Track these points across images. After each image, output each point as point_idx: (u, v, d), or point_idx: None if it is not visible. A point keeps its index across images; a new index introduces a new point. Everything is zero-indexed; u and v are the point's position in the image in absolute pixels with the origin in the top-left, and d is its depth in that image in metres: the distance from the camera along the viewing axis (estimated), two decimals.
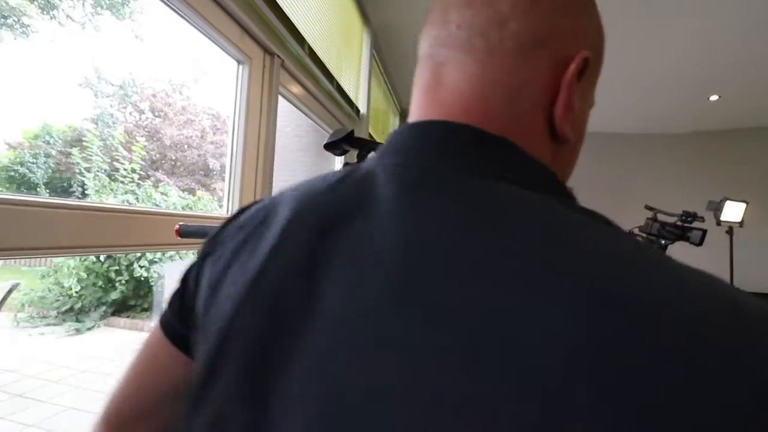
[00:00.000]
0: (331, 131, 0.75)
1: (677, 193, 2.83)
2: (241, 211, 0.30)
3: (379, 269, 0.19)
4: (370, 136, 2.76)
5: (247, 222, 0.28)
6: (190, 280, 0.29)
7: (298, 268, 0.22)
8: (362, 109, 2.24)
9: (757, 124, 3.64)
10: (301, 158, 3.20)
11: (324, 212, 0.23)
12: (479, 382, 0.15)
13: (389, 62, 3.14)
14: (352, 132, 0.72)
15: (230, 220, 0.30)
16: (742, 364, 0.13)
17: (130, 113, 4.97)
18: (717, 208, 2.14)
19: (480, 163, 0.23)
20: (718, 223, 2.26)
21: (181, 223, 0.64)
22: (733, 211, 2.25)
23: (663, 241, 2.14)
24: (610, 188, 3.83)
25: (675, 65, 2.61)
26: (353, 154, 0.75)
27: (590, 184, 3.96)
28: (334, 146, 0.73)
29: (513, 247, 0.18)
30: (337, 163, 2.03)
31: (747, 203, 2.33)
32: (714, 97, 2.86)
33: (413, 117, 0.28)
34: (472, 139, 0.23)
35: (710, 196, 2.42)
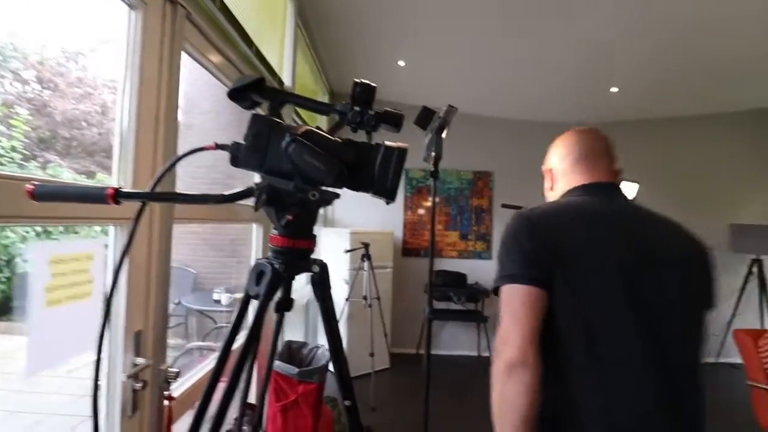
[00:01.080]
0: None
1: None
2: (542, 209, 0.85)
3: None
4: (297, 113, 2.63)
5: (559, 212, 0.86)
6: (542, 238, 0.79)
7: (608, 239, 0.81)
8: (287, 82, 2.12)
9: (647, 116, 4.15)
10: (220, 138, 2.95)
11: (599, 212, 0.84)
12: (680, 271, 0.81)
13: (318, 41, 3.02)
14: (262, 80, 0.65)
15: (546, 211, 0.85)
16: (708, 253, 0.84)
17: (11, 83, 4.22)
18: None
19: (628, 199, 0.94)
20: None
21: (35, 183, 0.52)
22: (627, 191, 2.52)
23: None
24: (527, 170, 4.14)
25: (582, 62, 2.86)
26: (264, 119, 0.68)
27: (511, 167, 4.29)
28: (241, 96, 0.65)
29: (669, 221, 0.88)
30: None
31: (638, 183, 2.63)
32: (614, 89, 3.19)
33: (594, 179, 0.92)
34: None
35: None
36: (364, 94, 0.66)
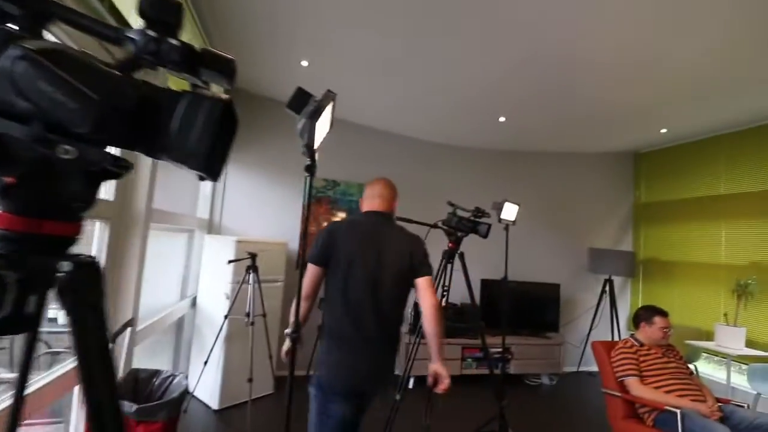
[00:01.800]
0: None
1: (473, 196, 3.31)
2: (336, 224, 1.71)
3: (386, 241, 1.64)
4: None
5: (342, 226, 1.68)
6: (327, 240, 1.59)
7: (365, 240, 1.61)
8: None
9: (529, 149, 4.61)
10: None
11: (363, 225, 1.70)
12: (400, 258, 1.61)
13: (215, 37, 2.70)
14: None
15: (336, 225, 1.69)
16: (417, 236, 1.74)
17: None
18: (499, 208, 2.50)
19: (390, 219, 1.78)
20: (499, 220, 2.65)
21: None
22: (509, 211, 2.69)
23: (459, 234, 2.39)
24: (424, 188, 4.26)
25: (476, 90, 3.03)
26: None
27: (411, 184, 4.37)
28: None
29: (403, 232, 1.73)
30: None
31: (519, 205, 2.81)
32: (502, 119, 3.45)
33: (371, 208, 1.75)
34: (389, 216, 1.78)
35: (496, 199, 2.88)
36: (161, 11, 0.45)
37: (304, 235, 1.30)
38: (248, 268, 2.88)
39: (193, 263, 3.41)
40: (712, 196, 4.02)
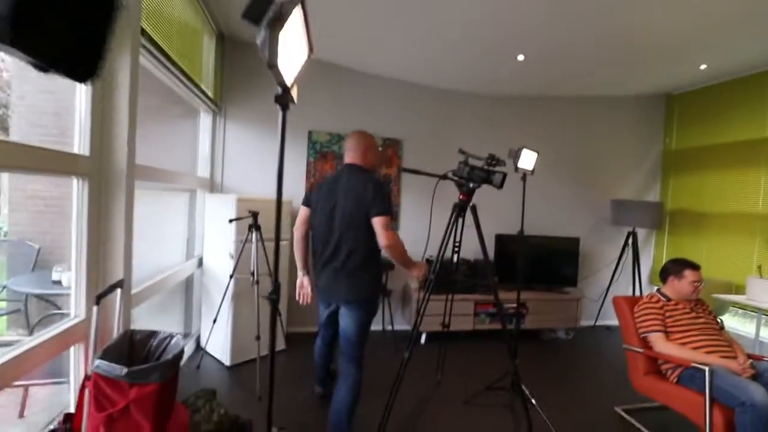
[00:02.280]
0: None
1: (488, 145, 3.04)
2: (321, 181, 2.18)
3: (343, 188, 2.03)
4: (157, 45, 2.03)
5: (323, 179, 2.20)
6: (310, 190, 2.25)
7: (330, 188, 2.07)
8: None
9: (547, 93, 4.24)
10: None
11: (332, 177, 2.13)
12: (352, 201, 1.96)
13: None
14: None
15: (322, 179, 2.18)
16: (374, 182, 2.00)
17: None
18: (515, 156, 2.28)
19: (360, 169, 2.09)
20: (516, 169, 2.42)
21: None
22: (527, 159, 2.45)
23: (471, 184, 2.19)
24: (437, 138, 4.00)
25: (492, 25, 2.69)
26: None
27: (422, 135, 4.12)
28: None
29: (360, 179, 2.01)
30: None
31: (538, 153, 2.57)
32: (521, 57, 3.11)
33: (346, 161, 2.15)
34: (359, 167, 2.10)
35: (512, 148, 2.63)
36: None
37: (280, 184, 1.14)
38: (250, 227, 2.77)
39: (198, 223, 3.33)
40: (753, 140, 3.64)
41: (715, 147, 4.00)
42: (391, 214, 1.94)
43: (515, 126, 4.25)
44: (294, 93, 1.06)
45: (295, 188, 3.69)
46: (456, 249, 2.50)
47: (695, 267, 2.38)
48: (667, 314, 2.33)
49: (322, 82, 3.71)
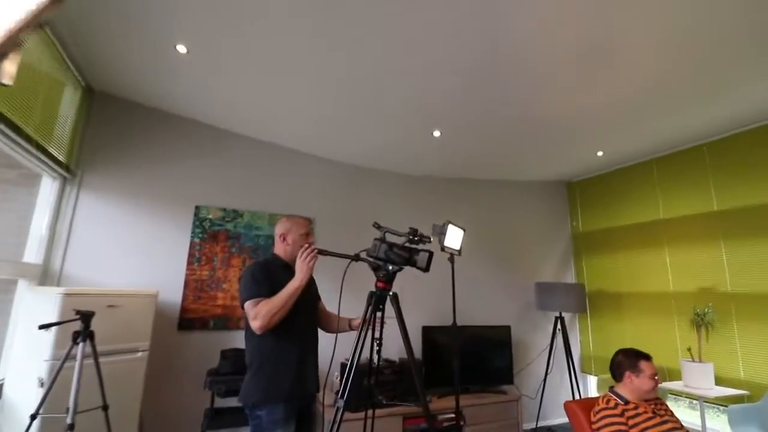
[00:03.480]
0: None
1: (408, 224, 2.70)
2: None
3: None
4: None
5: None
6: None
7: None
8: None
9: (468, 175, 4.21)
10: None
11: None
12: None
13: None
14: None
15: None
16: (247, 268, 1.78)
17: None
18: (441, 231, 1.88)
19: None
20: (443, 248, 2.02)
21: None
22: (453, 237, 2.08)
23: (391, 267, 1.70)
24: (352, 216, 3.57)
25: (403, 97, 2.51)
26: None
27: (336, 213, 3.66)
28: None
29: None
30: None
31: (464, 230, 2.23)
32: (437, 133, 2.96)
33: None
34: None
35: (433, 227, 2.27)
36: None
37: None
38: (76, 336, 1.88)
39: (4, 331, 2.28)
40: (651, 221, 3.85)
41: (618, 229, 4.18)
42: (258, 295, 1.65)
43: (435, 206, 4.05)
44: (11, 67, 0.50)
45: (171, 275, 2.86)
46: (377, 349, 1.90)
47: (648, 357, 2.06)
48: (630, 422, 1.91)
49: (214, 151, 3.18)
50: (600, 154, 3.71)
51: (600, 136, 3.26)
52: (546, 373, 3.86)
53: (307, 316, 1.83)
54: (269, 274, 1.73)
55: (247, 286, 1.67)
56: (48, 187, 2.64)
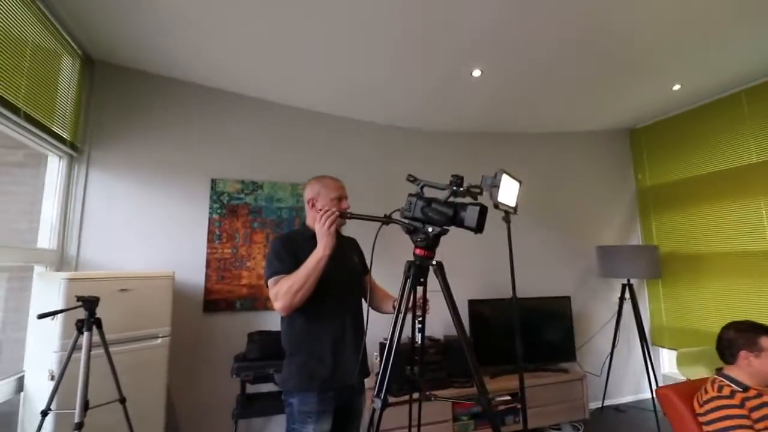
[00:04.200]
0: None
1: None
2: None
3: None
4: None
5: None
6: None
7: None
8: None
9: (509, 128, 3.69)
10: None
11: None
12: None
13: None
14: None
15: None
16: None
17: None
18: (493, 183, 1.47)
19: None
20: (496, 205, 1.61)
21: None
22: (509, 190, 1.66)
23: (431, 229, 1.33)
24: (385, 182, 3.20)
25: (444, 35, 2.05)
26: None
27: (365, 180, 3.23)
28: None
29: None
30: None
31: (521, 182, 1.80)
32: (477, 72, 2.49)
33: None
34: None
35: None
36: None
37: None
38: (80, 326, 1.68)
39: (23, 321, 2.16)
40: (740, 167, 3.19)
41: (695, 179, 3.53)
42: (277, 272, 1.42)
43: (476, 165, 3.57)
44: None
45: (192, 254, 2.65)
46: (419, 327, 1.57)
47: None
48: (753, 414, 1.47)
49: (230, 117, 2.88)
50: (677, 87, 3.06)
51: (681, 60, 2.63)
52: (612, 348, 3.41)
53: (345, 292, 1.53)
54: (295, 248, 1.47)
55: (270, 262, 1.46)
56: (55, 167, 2.46)
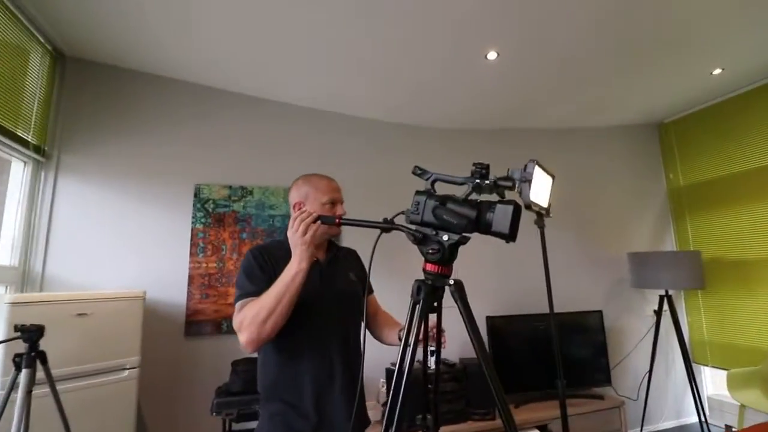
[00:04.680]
0: None
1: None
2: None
3: None
4: None
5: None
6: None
7: None
8: None
9: (526, 124, 3.37)
10: None
11: None
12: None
13: None
14: None
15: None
16: None
17: None
18: (524, 177, 1.13)
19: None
20: (527, 205, 1.27)
21: None
22: (541, 187, 1.33)
23: (446, 237, 1.00)
24: (387, 185, 2.89)
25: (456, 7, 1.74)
26: None
27: (365, 182, 2.95)
28: None
29: None
30: None
31: (554, 177, 1.48)
32: (492, 55, 2.17)
33: None
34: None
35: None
36: None
37: None
38: (18, 360, 1.38)
39: None
40: None
41: (738, 176, 3.15)
42: (246, 295, 1.11)
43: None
44: None
45: (169, 270, 2.35)
46: (434, 368, 1.23)
47: None
48: None
49: (216, 116, 2.61)
50: (717, 71, 2.71)
51: (727, 38, 2.29)
52: (651, 368, 3.01)
53: (334, 319, 1.20)
54: (274, 263, 1.16)
55: (237, 282, 1.17)
56: (19, 174, 2.20)
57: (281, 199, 2.59)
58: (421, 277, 0.99)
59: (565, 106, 3.10)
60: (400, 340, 1.25)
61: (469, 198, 0.98)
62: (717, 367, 3.24)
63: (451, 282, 0.97)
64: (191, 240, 2.38)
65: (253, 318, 1.03)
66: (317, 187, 1.27)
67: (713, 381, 3.40)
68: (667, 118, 3.68)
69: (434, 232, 0.97)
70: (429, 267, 0.98)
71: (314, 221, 1.08)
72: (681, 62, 2.55)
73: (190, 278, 2.34)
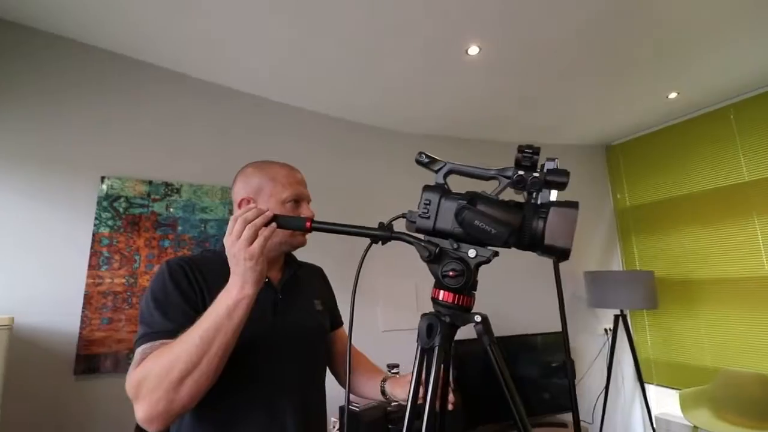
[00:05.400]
0: None
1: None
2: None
3: None
4: None
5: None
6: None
7: None
8: None
9: (479, 136, 3.24)
10: None
11: None
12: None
13: None
14: None
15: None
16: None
17: None
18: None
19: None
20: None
21: None
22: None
23: (474, 253, 0.67)
24: (357, 184, 2.56)
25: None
26: None
27: (327, 183, 2.60)
28: None
29: None
30: None
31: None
32: (474, 50, 1.97)
33: None
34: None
35: None
36: None
37: None
38: None
39: None
40: (731, 185, 2.97)
41: (679, 199, 3.29)
42: (150, 335, 0.72)
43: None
44: None
45: (56, 288, 1.78)
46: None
47: None
48: None
49: (138, 93, 2.10)
50: (673, 95, 2.78)
51: (685, 64, 2.33)
52: (607, 389, 2.95)
53: (289, 368, 0.85)
54: (201, 284, 0.81)
55: (141, 315, 0.79)
56: None
57: (217, 200, 2.14)
58: (426, 308, 0.69)
59: (526, 119, 3.03)
60: (384, 395, 0.92)
61: (498, 197, 0.70)
62: (662, 386, 3.29)
63: (478, 319, 0.67)
64: (91, 248, 1.84)
65: (159, 378, 0.64)
66: (275, 179, 0.92)
67: (658, 400, 3.46)
68: (616, 140, 3.80)
69: (455, 245, 0.67)
70: (445, 296, 0.67)
71: (267, 223, 0.72)
72: (642, 82, 2.57)
73: (87, 298, 1.79)
